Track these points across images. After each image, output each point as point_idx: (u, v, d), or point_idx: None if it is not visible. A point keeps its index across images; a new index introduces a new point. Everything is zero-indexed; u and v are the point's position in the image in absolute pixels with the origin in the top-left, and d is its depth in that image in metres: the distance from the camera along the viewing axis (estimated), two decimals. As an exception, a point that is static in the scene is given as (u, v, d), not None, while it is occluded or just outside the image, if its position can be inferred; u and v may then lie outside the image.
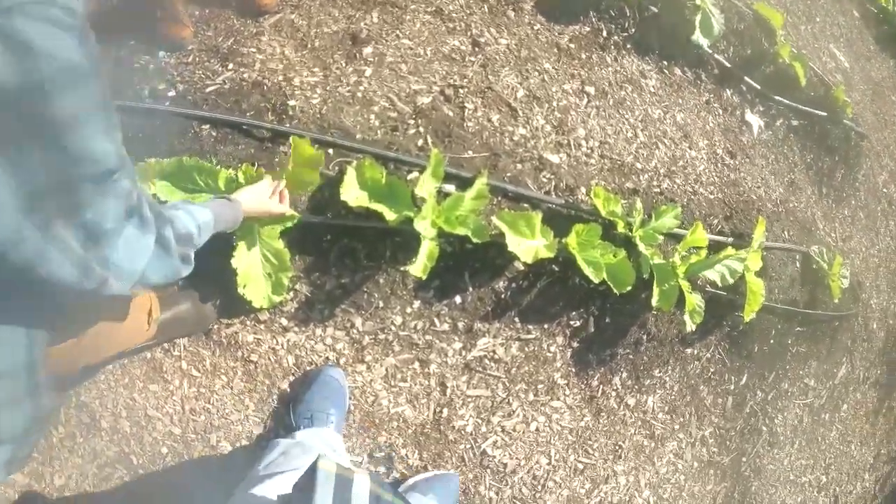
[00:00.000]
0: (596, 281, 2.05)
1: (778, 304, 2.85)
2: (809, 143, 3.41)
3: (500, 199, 2.06)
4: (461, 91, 2.23)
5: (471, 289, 2.03)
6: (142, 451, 1.78)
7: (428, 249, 1.78)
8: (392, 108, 2.11)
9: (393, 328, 2.00)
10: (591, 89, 2.62)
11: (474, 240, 1.86)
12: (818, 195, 3.43)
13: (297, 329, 1.93)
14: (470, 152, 2.09)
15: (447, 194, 1.91)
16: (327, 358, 1.95)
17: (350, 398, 1.94)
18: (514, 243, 1.91)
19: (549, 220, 2.10)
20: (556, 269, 2.15)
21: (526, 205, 2.10)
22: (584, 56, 2.72)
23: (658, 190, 2.63)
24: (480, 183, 1.92)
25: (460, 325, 2.05)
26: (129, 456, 1.76)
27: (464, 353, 2.08)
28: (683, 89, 3.10)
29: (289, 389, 1.91)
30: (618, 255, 2.17)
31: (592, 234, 2.10)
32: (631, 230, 2.31)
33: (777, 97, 3.20)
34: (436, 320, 2.03)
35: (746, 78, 3.10)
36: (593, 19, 2.84)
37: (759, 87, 3.13)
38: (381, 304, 1.96)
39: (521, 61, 2.49)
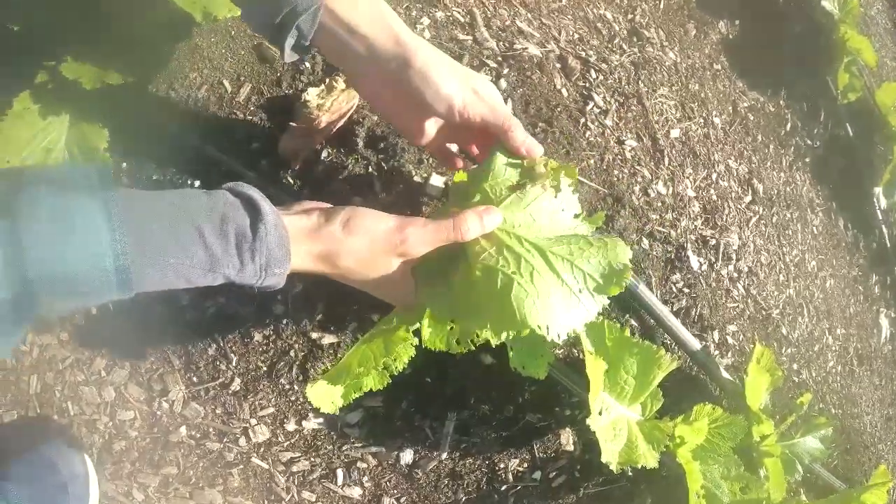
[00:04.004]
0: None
1: None
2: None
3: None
4: (592, 73, 1.11)
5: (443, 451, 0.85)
6: None
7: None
8: (468, 26, 0.98)
9: (242, 441, 0.82)
10: (759, 186, 1.53)
11: (523, 371, 0.68)
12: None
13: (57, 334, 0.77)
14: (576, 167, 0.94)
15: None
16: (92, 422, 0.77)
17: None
18: (600, 407, 0.73)
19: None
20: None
21: (633, 321, 0.93)
22: (760, 138, 1.65)
23: (796, 379, 1.51)
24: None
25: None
26: None
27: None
28: (840, 250, 2.06)
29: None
30: (751, 489, 1.00)
31: (729, 434, 0.94)
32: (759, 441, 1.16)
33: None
34: (339, 472, 0.84)
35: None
36: (781, 100, 1.83)
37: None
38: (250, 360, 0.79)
39: (686, 92, 1.40)
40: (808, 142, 1.89)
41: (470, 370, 0.84)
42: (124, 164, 0.92)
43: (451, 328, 0.62)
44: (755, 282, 1.43)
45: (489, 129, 0.65)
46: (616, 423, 0.81)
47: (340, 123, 0.80)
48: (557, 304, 0.59)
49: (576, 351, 0.89)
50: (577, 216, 0.65)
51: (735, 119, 1.58)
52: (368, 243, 0.58)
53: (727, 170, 1.44)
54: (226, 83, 0.85)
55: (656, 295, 0.98)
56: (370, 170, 0.83)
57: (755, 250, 1.47)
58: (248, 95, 0.84)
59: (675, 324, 0.96)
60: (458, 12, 1.09)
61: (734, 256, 1.34)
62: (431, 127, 0.69)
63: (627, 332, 0.77)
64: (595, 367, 0.71)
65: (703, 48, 1.61)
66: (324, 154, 0.82)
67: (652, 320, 0.95)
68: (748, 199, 1.50)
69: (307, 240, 0.56)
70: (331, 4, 0.60)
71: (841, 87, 1.93)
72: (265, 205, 0.53)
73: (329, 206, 0.61)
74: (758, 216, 1.51)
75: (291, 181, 0.81)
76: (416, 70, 0.62)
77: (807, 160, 1.87)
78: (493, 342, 0.59)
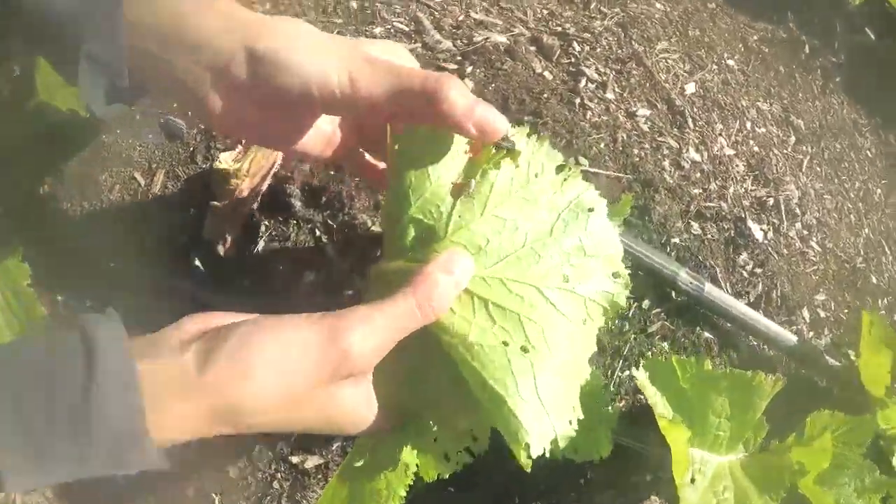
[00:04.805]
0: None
1: None
2: None
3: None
4: (576, 46, 0.91)
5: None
6: None
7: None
8: (415, 33, 0.79)
9: None
10: (799, 123, 1.28)
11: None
12: None
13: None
14: (584, 161, 0.73)
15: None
16: None
17: None
18: (690, 475, 0.51)
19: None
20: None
21: (707, 333, 0.70)
22: (783, 70, 1.41)
23: (906, 333, 1.21)
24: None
25: None
26: None
27: None
28: (901, 167, 1.76)
29: None
30: (894, 495, 0.75)
31: (856, 439, 0.70)
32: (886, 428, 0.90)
33: None
34: None
35: None
36: (791, 24, 1.58)
37: None
38: None
39: (687, 41, 1.18)
40: (833, 59, 1.64)
41: (503, 463, 0.63)
42: (59, 297, 0.76)
43: (436, 440, 0.42)
44: (828, 233, 1.19)
45: (413, 108, 0.40)
46: (716, 480, 0.59)
47: (266, 185, 0.61)
48: (579, 364, 0.41)
49: (640, 396, 0.68)
50: (560, 169, 0.44)
51: (749, 56, 1.35)
52: (285, 380, 0.36)
53: (759, 114, 1.21)
54: (137, 176, 0.68)
55: (726, 289, 0.75)
56: (317, 233, 0.64)
57: (817, 196, 1.23)
58: (163, 182, 0.67)
59: (759, 320, 0.74)
60: (400, 22, 0.91)
61: (798, 211, 1.10)
62: (322, 129, 0.47)
63: (708, 365, 0.56)
64: (676, 436, 0.49)
65: (688, -15, 1.39)
66: (261, 228, 0.63)
67: (728, 324, 0.73)
68: (792, 140, 1.26)
69: (181, 394, 0.34)
70: (129, 17, 0.38)
71: (850, -10, 1.69)
72: (105, 345, 0.33)
73: (225, 319, 0.39)
74: (808, 156, 1.27)
75: (228, 272, 0.62)
76: (263, 56, 0.40)
77: (837, 80, 1.62)
78: (524, 460, 0.39)
